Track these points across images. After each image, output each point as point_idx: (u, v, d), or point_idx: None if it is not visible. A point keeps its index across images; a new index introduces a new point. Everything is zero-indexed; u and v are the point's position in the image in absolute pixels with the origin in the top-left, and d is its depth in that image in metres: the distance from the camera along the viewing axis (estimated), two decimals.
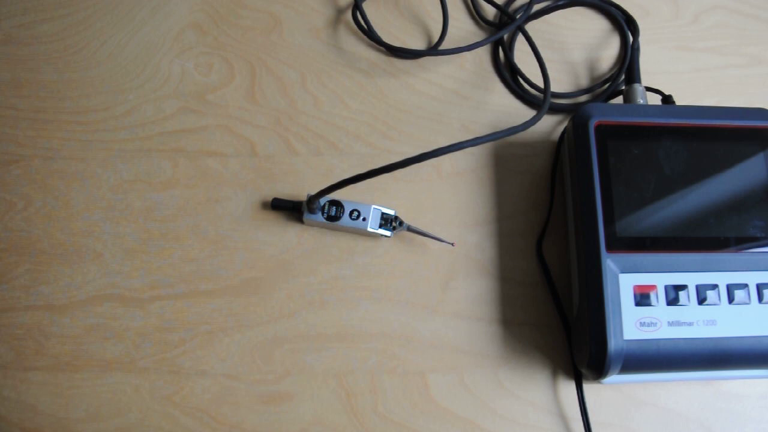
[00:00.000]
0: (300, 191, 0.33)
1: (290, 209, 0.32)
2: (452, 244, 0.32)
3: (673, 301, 0.27)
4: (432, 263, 0.32)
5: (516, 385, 0.30)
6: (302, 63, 0.36)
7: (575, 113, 0.30)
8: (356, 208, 0.31)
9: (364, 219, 0.31)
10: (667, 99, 0.34)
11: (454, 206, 0.33)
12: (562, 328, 0.31)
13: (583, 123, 0.29)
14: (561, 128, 0.35)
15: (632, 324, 0.27)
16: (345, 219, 0.31)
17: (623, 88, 0.34)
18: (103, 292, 0.32)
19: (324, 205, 0.31)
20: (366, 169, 0.33)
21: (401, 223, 0.31)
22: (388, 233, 0.31)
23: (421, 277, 0.32)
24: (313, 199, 0.30)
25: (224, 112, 0.35)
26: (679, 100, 0.35)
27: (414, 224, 0.32)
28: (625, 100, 0.34)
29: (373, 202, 0.33)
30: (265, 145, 0.34)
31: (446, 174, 0.34)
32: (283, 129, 0.34)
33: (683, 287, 0.27)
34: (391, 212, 0.31)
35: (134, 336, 0.31)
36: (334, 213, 0.31)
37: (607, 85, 0.36)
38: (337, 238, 0.32)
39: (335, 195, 0.32)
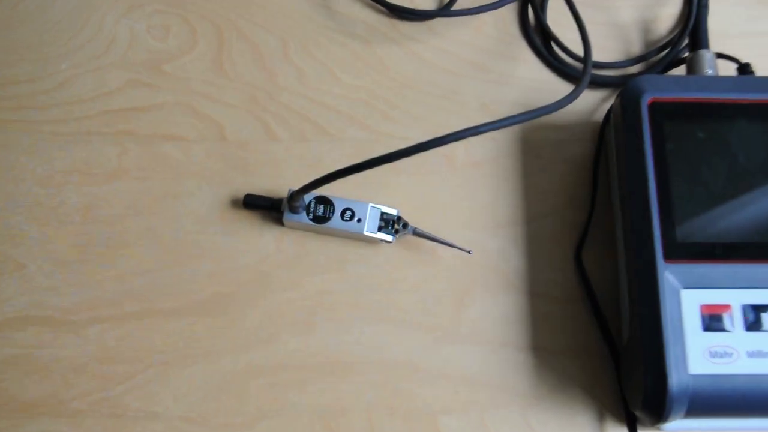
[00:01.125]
0: (280, 186, 0.31)
1: (267, 208, 0.30)
2: (469, 252, 0.30)
3: (753, 325, 0.25)
4: (444, 275, 0.30)
5: (550, 430, 0.28)
6: (283, 27, 0.34)
7: (624, 88, 0.29)
8: (350, 206, 0.30)
9: (359, 220, 0.29)
10: (744, 68, 0.31)
11: (471, 204, 0.31)
12: (609, 357, 0.29)
13: (634, 100, 0.28)
14: (606, 107, 0.33)
15: (700, 354, 0.24)
16: (336, 220, 0.29)
17: (686, 55, 0.32)
18: (25, 314, 0.29)
19: (310, 203, 0.30)
20: (362, 158, 0.30)
21: (405, 225, 0.30)
22: (389, 238, 0.30)
23: (430, 293, 0.30)
24: (296, 196, 0.28)
25: (185, 86, 0.33)
26: (761, 71, 0.32)
27: (421, 227, 0.30)
28: (689, 71, 0.31)
29: (370, 199, 0.31)
30: (236, 129, 0.32)
31: (461, 165, 0.32)
32: (260, 109, 0.32)
33: (767, 308, 0.25)
34: (393, 212, 0.30)
35: (66, 370, 0.29)
36: (321, 213, 0.29)
37: (666, 51, 0.34)
38: (325, 244, 0.31)
39: (323, 190, 0.30)
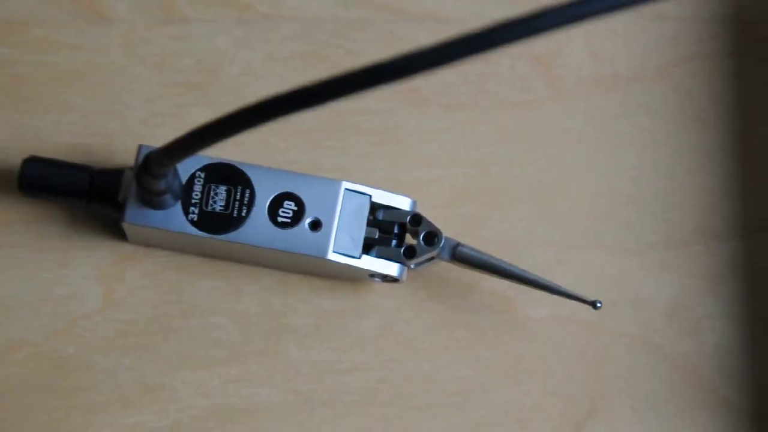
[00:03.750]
0: (113, 140, 0.27)
1: (83, 195, 0.25)
2: (595, 306, 0.24)
3: None
4: (533, 363, 0.26)
5: None
6: None
7: None
8: (293, 190, 0.24)
9: (314, 224, 0.24)
10: None
11: (601, 186, 0.27)
12: None
13: None
14: None
15: None
16: (258, 225, 0.24)
17: None
18: None
19: (192, 180, 0.24)
20: (329, 68, 0.24)
21: (434, 237, 0.24)
22: (392, 270, 0.24)
23: (500, 406, 0.26)
24: (157, 164, 0.23)
25: None
26: None
27: (474, 243, 0.25)
28: None
29: (348, 173, 0.26)
30: None
31: (580, 87, 0.27)
32: None
33: None
34: (404, 204, 0.24)
35: None
36: (222, 206, 0.24)
37: None
38: (231, 287, 0.26)
39: (225, 152, 0.24)
